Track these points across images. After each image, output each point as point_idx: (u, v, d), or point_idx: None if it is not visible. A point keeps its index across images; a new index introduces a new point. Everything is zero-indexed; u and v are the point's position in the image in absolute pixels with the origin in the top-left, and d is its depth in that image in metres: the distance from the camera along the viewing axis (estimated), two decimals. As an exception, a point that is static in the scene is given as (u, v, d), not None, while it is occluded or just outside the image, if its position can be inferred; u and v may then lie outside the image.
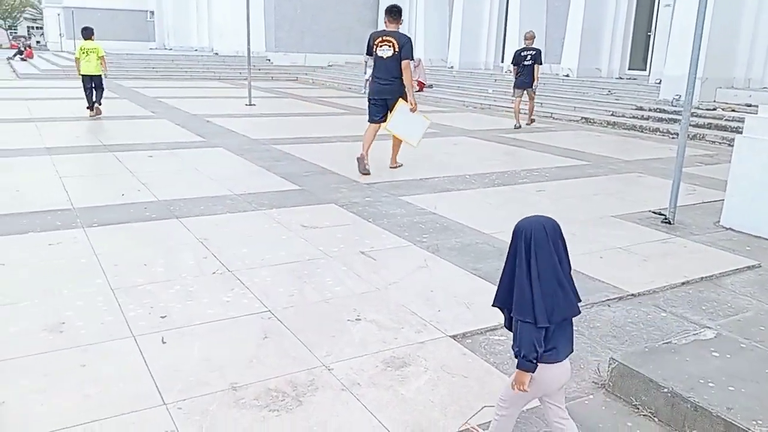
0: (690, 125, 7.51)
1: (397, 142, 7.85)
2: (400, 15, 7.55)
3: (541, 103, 15.55)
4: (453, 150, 9.66)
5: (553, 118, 14.39)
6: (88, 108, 12.06)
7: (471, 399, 2.77)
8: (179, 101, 15.37)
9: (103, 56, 11.98)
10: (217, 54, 29.12)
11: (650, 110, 13.67)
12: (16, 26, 71.17)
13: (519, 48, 12.74)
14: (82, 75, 11.94)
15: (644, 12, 17.60)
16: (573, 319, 2.15)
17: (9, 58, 29.72)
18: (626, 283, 4.26)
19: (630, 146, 10.75)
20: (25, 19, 72.36)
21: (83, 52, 11.87)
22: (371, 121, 7.67)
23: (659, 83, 14.78)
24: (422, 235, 5.16)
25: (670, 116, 12.80)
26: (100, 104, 12.24)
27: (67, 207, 5.59)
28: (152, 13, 43.57)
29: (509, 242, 2.09)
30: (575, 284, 2.10)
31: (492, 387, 2.87)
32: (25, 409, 2.58)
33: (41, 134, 9.53)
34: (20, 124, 10.61)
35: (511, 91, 13.09)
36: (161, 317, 3.44)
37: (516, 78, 12.52)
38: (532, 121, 12.81)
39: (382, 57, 7.37)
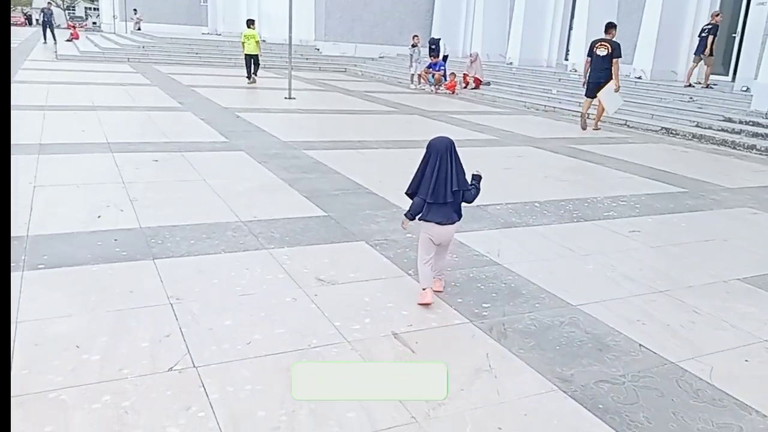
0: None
1: (600, 111, 11.55)
2: (612, 27, 11.09)
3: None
4: (517, 164, 8.12)
5: (629, 126, 12.62)
6: (246, 78, 16.21)
7: None
8: (213, 91, 14.18)
9: (257, 41, 15.99)
10: (264, 41, 27.95)
11: (741, 122, 11.84)
12: (73, 6, 71.91)
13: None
14: (245, 54, 16.08)
15: (729, 10, 15.56)
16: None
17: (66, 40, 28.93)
18: (799, 415, 2.74)
19: (727, 167, 9.00)
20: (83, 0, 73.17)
21: (245, 38, 15.93)
22: (588, 96, 11.45)
23: (747, 91, 12.95)
24: (482, 304, 3.69)
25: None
26: (255, 75, 16.25)
27: (20, 233, 4.31)
28: (206, -3, 42.78)
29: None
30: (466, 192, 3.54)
31: None
32: None
33: (42, 126, 8.36)
34: (22, 112, 9.41)
35: (582, 92, 12.17)
36: (52, 476, 2.09)
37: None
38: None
39: (599, 55, 11.02)
